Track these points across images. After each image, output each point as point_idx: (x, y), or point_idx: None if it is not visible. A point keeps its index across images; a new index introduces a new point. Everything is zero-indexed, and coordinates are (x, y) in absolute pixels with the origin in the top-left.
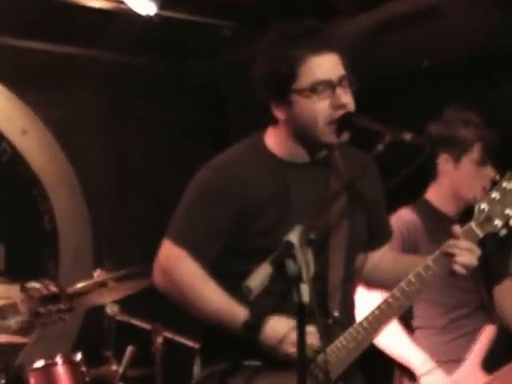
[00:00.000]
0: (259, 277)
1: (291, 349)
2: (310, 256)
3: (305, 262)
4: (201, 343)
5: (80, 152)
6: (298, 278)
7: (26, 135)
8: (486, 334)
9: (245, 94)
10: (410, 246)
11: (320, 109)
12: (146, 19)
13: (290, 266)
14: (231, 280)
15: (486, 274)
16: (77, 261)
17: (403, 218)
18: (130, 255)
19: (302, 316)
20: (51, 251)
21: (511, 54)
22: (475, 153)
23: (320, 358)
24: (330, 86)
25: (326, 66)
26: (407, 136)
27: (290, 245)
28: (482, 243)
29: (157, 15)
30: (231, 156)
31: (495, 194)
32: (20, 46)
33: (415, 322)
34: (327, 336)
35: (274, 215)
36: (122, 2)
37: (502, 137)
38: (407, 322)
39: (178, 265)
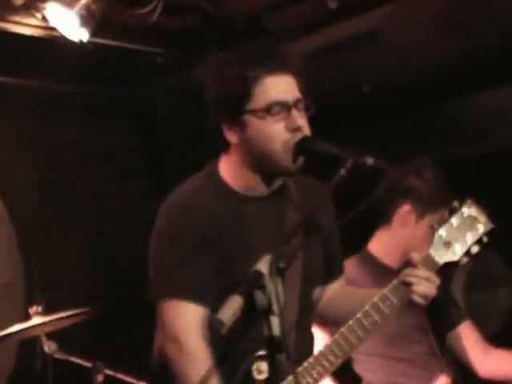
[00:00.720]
0: (230, 309)
1: None
2: (280, 286)
3: (275, 292)
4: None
5: (10, 184)
6: (268, 310)
7: None
8: None
9: (178, 120)
10: None
11: (275, 131)
12: (78, 46)
13: (260, 297)
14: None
15: (437, 321)
16: (7, 298)
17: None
18: (64, 290)
19: (272, 349)
20: None
21: (451, 78)
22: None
23: None
24: (285, 107)
25: (281, 86)
26: (370, 160)
27: (258, 274)
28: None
29: (89, 42)
30: (186, 194)
31: (455, 221)
32: None
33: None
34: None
35: (233, 251)
36: (54, 29)
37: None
38: None
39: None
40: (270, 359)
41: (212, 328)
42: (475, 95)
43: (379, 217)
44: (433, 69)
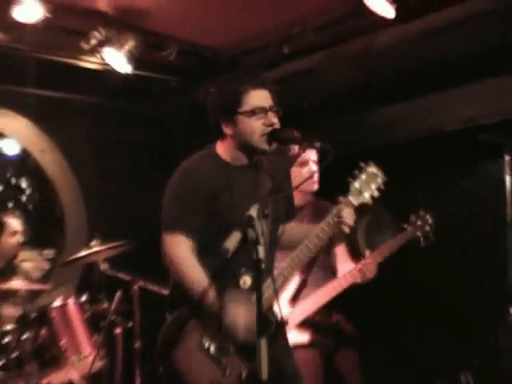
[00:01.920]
0: (233, 240)
1: (235, 336)
2: (264, 226)
3: (261, 230)
4: (168, 293)
5: (79, 165)
6: (256, 242)
7: (43, 153)
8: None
9: (186, 124)
10: None
11: (256, 125)
12: (124, 75)
13: (251, 233)
14: (210, 252)
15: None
16: (76, 235)
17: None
18: (113, 229)
19: (258, 268)
20: (60, 230)
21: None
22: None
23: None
24: (264, 110)
25: (261, 97)
26: (317, 144)
27: (250, 218)
28: None
29: (131, 73)
30: (194, 163)
31: (363, 176)
32: (41, 94)
33: None
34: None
35: (225, 202)
36: (108, 65)
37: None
38: None
39: (172, 248)
40: (256, 273)
41: (220, 253)
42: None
43: None
44: (346, 92)
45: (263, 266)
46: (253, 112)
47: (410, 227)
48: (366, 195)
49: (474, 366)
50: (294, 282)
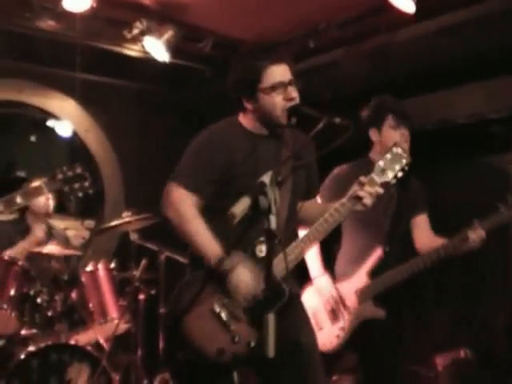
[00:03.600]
0: (241, 206)
1: (241, 297)
2: (277, 194)
3: (273, 198)
4: (188, 259)
5: (120, 144)
6: (268, 210)
7: (88, 133)
8: (375, 255)
9: (218, 109)
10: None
11: (277, 101)
12: (163, 64)
13: (263, 200)
14: (218, 215)
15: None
16: (115, 207)
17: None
18: (148, 205)
19: (270, 238)
20: (101, 202)
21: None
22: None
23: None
24: (283, 85)
25: (280, 72)
26: (337, 119)
27: (263, 184)
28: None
29: (169, 61)
30: (217, 127)
31: (388, 156)
32: (87, 78)
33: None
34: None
35: (246, 166)
36: (148, 53)
37: None
38: None
39: (180, 201)
40: (268, 244)
41: (227, 219)
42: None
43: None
44: (365, 86)
45: (277, 237)
46: (273, 88)
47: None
48: (390, 174)
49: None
50: (375, 256)
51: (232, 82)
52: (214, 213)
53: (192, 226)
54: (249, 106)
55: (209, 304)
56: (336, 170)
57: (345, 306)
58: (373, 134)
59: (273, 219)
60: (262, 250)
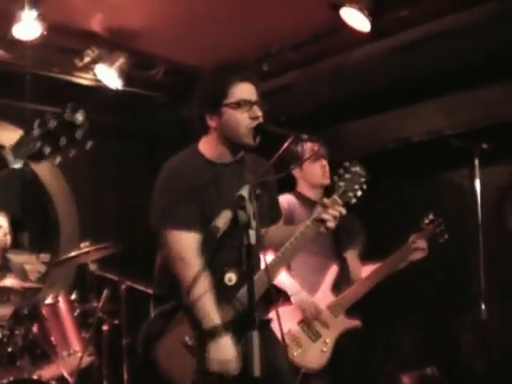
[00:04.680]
0: (223, 220)
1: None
2: (256, 208)
3: (252, 212)
4: (153, 290)
5: (73, 175)
6: (248, 225)
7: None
8: (332, 271)
9: (172, 135)
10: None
11: (242, 118)
12: (115, 91)
13: (241, 215)
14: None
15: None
16: (70, 239)
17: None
18: (103, 235)
19: (249, 254)
20: (56, 235)
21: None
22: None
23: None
24: (249, 103)
25: (247, 90)
26: (304, 136)
27: (241, 198)
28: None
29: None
30: (177, 160)
31: (347, 176)
32: (38, 108)
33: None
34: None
35: (209, 195)
36: (100, 81)
37: None
38: None
39: (178, 246)
40: (247, 261)
41: (210, 232)
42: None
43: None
44: (321, 107)
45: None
46: (238, 104)
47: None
48: (350, 194)
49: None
50: (332, 273)
51: (198, 97)
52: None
53: (198, 289)
54: (212, 123)
55: (180, 335)
56: (286, 197)
57: (322, 320)
58: (296, 172)
59: (252, 234)
60: (230, 278)
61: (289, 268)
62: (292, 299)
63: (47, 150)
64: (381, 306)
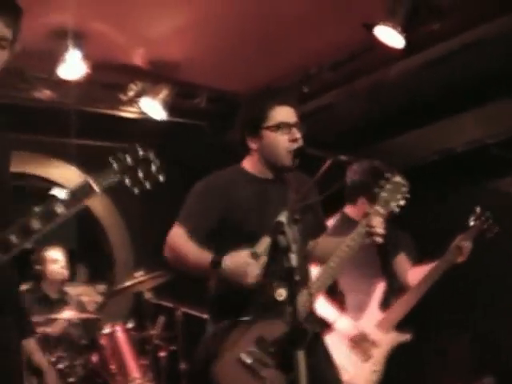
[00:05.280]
0: (263, 246)
1: (245, 280)
2: (296, 232)
3: (292, 236)
4: (208, 311)
5: (124, 206)
6: (288, 249)
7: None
8: (380, 288)
9: (217, 161)
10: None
11: (281, 141)
12: (159, 122)
13: (281, 240)
14: None
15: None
16: (125, 269)
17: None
18: (157, 263)
19: (291, 278)
20: (111, 265)
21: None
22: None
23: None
24: (288, 126)
25: (286, 113)
26: (343, 157)
27: (280, 224)
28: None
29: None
30: (220, 172)
31: (389, 186)
32: (86, 144)
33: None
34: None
35: (251, 210)
36: (145, 113)
37: None
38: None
39: (177, 239)
40: (289, 283)
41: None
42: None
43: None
44: (363, 124)
45: (297, 276)
46: (278, 127)
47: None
48: (393, 204)
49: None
50: (380, 290)
51: (239, 121)
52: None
53: (184, 249)
54: (253, 145)
55: (235, 353)
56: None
57: (370, 340)
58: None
59: (293, 257)
60: (281, 293)
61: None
62: (335, 326)
63: (128, 182)
64: (437, 316)
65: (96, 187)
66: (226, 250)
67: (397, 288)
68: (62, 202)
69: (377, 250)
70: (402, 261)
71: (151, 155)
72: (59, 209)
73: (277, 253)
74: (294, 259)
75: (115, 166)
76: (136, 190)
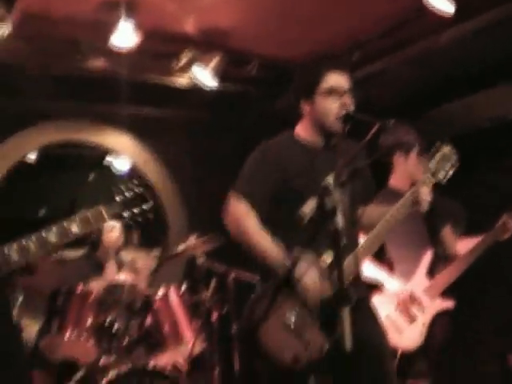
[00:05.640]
0: (309, 207)
1: (312, 301)
2: (344, 196)
3: (339, 198)
4: (259, 273)
5: (176, 172)
6: (334, 211)
7: (146, 164)
8: (427, 256)
9: (268, 128)
10: None
11: (332, 106)
12: (210, 90)
13: (328, 201)
14: (277, 224)
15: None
16: (178, 234)
17: None
18: (210, 228)
19: (337, 240)
20: (163, 231)
21: None
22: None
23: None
24: (340, 92)
25: (338, 79)
26: (391, 122)
27: (327, 186)
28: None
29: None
30: (273, 141)
31: (438, 155)
32: (138, 112)
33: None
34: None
35: (302, 177)
36: (196, 82)
37: None
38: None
39: (239, 212)
40: (335, 246)
41: (297, 219)
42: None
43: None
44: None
45: (343, 241)
46: (330, 92)
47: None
48: (441, 174)
49: None
50: (428, 257)
51: (294, 86)
52: (276, 225)
53: (255, 238)
54: (306, 109)
55: (281, 314)
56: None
57: (417, 304)
58: (397, 160)
59: (339, 220)
60: (325, 259)
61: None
62: (385, 288)
63: (125, 215)
64: (489, 284)
65: (106, 216)
66: (279, 214)
67: (444, 257)
68: (77, 223)
69: (424, 219)
70: (449, 232)
71: (143, 194)
72: (73, 228)
73: (323, 215)
74: (340, 222)
75: (118, 198)
76: (131, 223)
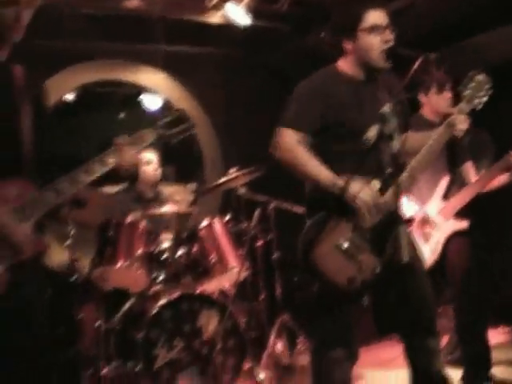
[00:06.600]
0: (372, 132)
1: (366, 218)
2: (397, 122)
3: (394, 126)
4: (306, 206)
5: (210, 108)
6: (391, 136)
7: (180, 100)
8: (444, 181)
9: (299, 64)
10: None
11: (374, 42)
12: (243, 27)
13: (386, 129)
14: (329, 156)
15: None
16: (214, 167)
17: None
18: (241, 161)
19: (394, 160)
20: (198, 165)
21: None
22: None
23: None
24: (381, 28)
25: (379, 15)
26: (433, 55)
27: (385, 114)
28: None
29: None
30: (316, 75)
31: (472, 84)
32: (172, 49)
33: None
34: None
35: (348, 107)
36: (229, 18)
37: None
38: None
39: (291, 142)
40: (392, 167)
41: (359, 139)
42: None
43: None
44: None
45: (389, 169)
46: (372, 29)
47: None
48: (476, 101)
49: None
50: (444, 182)
51: (334, 23)
52: (325, 156)
53: (309, 164)
54: (348, 46)
55: (333, 240)
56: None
57: (433, 224)
58: (421, 97)
59: (395, 144)
60: (375, 185)
61: None
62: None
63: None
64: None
65: (147, 137)
66: (327, 145)
67: (459, 183)
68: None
69: (446, 149)
70: (469, 167)
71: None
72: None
73: (380, 141)
74: (396, 145)
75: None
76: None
